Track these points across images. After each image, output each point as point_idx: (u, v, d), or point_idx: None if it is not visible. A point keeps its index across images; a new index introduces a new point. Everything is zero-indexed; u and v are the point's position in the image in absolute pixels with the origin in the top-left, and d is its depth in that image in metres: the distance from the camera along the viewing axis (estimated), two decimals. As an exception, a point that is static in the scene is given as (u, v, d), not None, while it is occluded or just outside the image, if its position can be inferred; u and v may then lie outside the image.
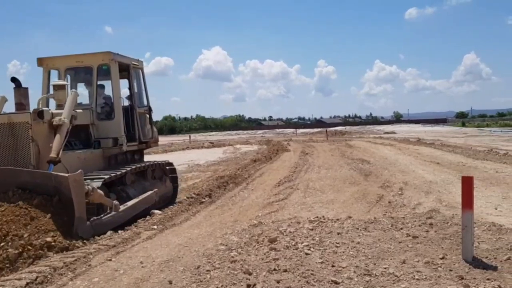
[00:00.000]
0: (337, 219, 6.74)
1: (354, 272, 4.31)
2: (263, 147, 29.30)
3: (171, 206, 8.83)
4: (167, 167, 10.11)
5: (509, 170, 11.63)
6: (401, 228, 6.01)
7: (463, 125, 68.52)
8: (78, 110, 8.03)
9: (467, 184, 4.59)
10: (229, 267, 4.66)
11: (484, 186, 9.34)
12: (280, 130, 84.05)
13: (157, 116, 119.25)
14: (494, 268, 4.25)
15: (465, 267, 4.33)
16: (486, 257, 4.60)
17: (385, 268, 4.40)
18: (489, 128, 53.77)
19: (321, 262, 4.64)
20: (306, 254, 4.95)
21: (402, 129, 58.96)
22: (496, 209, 7.12)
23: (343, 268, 4.44)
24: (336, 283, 4.04)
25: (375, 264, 4.54)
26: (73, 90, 8.17)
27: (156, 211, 8.17)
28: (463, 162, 14.14)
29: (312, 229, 6.13)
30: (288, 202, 8.53)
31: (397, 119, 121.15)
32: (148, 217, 7.77)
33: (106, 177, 7.35)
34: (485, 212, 6.91)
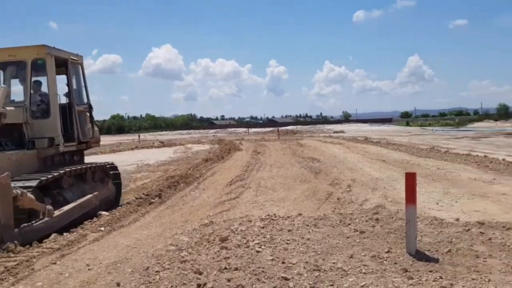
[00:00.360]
0: (288, 217, 6.82)
1: (304, 268, 4.36)
2: (215, 147, 29.15)
3: (120, 207, 8.59)
4: (110, 169, 9.75)
5: (449, 167, 12.23)
6: (349, 224, 6.16)
7: (408, 124, 71.48)
8: (9, 108, 7.56)
9: (410, 180, 4.78)
10: (179, 267, 4.59)
11: (427, 182, 9.77)
12: (233, 129, 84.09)
13: (104, 115, 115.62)
14: (436, 260, 4.45)
15: (409, 260, 4.49)
16: (429, 250, 4.81)
17: (333, 263, 4.49)
18: (432, 127, 56.46)
19: (272, 259, 4.66)
20: (257, 252, 4.96)
21: (350, 129, 60.67)
22: (437, 204, 7.47)
23: (293, 264, 4.49)
24: (286, 279, 4.08)
25: (324, 259, 4.63)
26: (3, 86, 7.69)
27: (103, 213, 7.92)
28: (407, 160, 14.73)
29: (263, 227, 6.16)
30: (239, 201, 8.53)
31: (346, 118, 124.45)
32: (95, 219, 7.52)
33: (38, 180, 6.92)
34: (428, 207, 7.22)
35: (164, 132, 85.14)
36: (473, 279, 3.87)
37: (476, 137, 30.24)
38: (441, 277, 3.95)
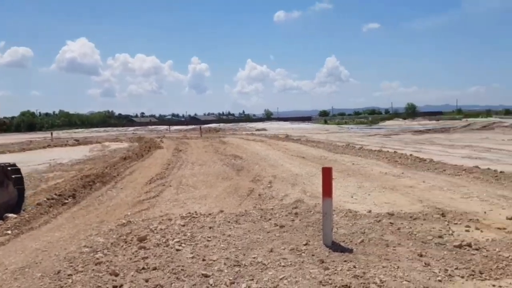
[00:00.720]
0: (209, 214, 6.77)
1: (225, 264, 4.35)
2: (135, 145, 28.24)
3: (30, 209, 7.96)
4: (10, 170, 8.88)
5: (363, 163, 12.91)
6: (270, 219, 6.25)
7: (326, 122, 74.50)
8: None
9: (327, 174, 4.94)
10: (93, 269, 4.37)
11: (342, 177, 10.22)
12: (153, 127, 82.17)
13: (13, 112, 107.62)
14: (350, 251, 4.65)
15: (325, 251, 4.65)
16: (344, 241, 5.01)
17: (254, 257, 4.52)
18: (347, 126, 59.35)
19: (192, 257, 4.59)
20: (177, 250, 4.86)
21: (272, 126, 61.93)
22: (352, 197, 7.83)
23: (214, 261, 4.45)
24: (206, 276, 4.03)
25: (244, 254, 4.64)
26: None
27: (10, 215, 7.30)
28: (325, 156, 15.31)
29: (184, 225, 6.06)
30: (159, 200, 8.31)
31: (268, 117, 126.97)
32: (0, 222, 6.92)
33: None
34: (343, 200, 7.55)
35: (80, 130, 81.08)
36: (383, 267, 4.09)
37: (387, 134, 32.26)
38: (354, 266, 4.13)
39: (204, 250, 4.85)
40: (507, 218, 6.01)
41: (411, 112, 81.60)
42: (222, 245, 5.00)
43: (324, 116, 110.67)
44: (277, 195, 8.28)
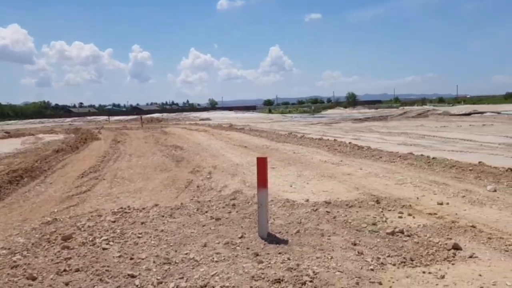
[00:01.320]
0: (143, 208, 6.46)
1: (154, 262, 4.10)
2: (71, 136, 26.93)
3: None
4: None
5: (304, 151, 12.99)
6: (206, 212, 6.06)
7: (270, 112, 74.97)
8: None
9: (262, 164, 4.80)
10: (8, 274, 3.98)
11: (283, 166, 10.20)
12: (92, 117, 79.19)
13: None
14: (286, 242, 4.55)
15: (260, 244, 4.53)
16: (279, 232, 4.91)
17: (186, 254, 4.31)
18: (291, 115, 60.04)
19: (119, 256, 4.30)
20: (104, 249, 4.54)
21: (217, 116, 61.52)
22: (291, 186, 7.79)
23: (143, 259, 4.19)
24: (132, 276, 3.77)
25: (176, 251, 4.42)
26: None
27: None
28: (267, 145, 15.29)
29: (114, 221, 5.72)
30: (91, 194, 7.85)
31: (213, 106, 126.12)
32: None
33: None
34: (282, 189, 7.49)
35: (12, 122, 76.53)
36: (317, 257, 4.02)
37: (328, 123, 32.95)
38: (289, 259, 4.03)
39: (133, 248, 4.57)
40: (438, 203, 6.19)
41: (352, 101, 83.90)
42: (153, 242, 4.74)
43: (269, 105, 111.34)
44: (216, 186, 8.09)
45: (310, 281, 3.51)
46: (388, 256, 4.09)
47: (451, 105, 61.40)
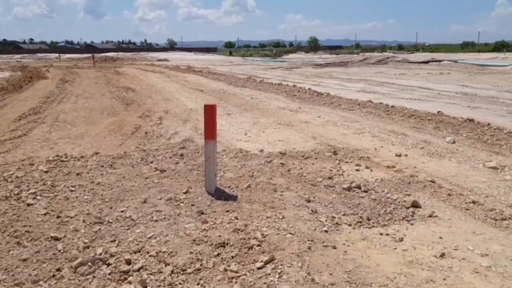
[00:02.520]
0: (82, 157, 5.88)
1: (84, 221, 3.62)
2: (17, 74, 25.07)
3: None
4: None
5: (262, 97, 12.51)
6: (151, 162, 5.56)
7: (231, 54, 73.24)
8: None
9: (210, 112, 4.30)
10: None
11: (239, 112, 9.71)
12: (43, 55, 74.80)
13: None
14: (235, 198, 4.16)
15: (207, 200, 4.12)
16: (229, 187, 4.52)
17: (122, 211, 3.85)
18: (252, 58, 58.82)
19: (45, 214, 3.78)
20: (28, 205, 4.00)
21: (175, 57, 59.41)
22: (246, 134, 7.36)
23: (71, 218, 3.70)
24: (56, 239, 3.29)
25: (111, 208, 3.94)
26: None
27: None
28: (224, 89, 14.67)
29: (47, 171, 5.14)
30: (26, 140, 7.12)
31: (172, 46, 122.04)
32: None
33: None
34: (236, 138, 7.05)
35: (-47, 56, 71.04)
36: (267, 217, 3.66)
37: (289, 67, 32.34)
38: (236, 218, 3.66)
39: (63, 204, 4.05)
40: (396, 155, 5.96)
41: (314, 46, 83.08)
42: (86, 197, 4.23)
43: (230, 48, 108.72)
44: (165, 133, 7.54)
45: (258, 245, 3.16)
46: (344, 214, 3.80)
47: (410, 52, 61.85)
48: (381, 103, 10.60)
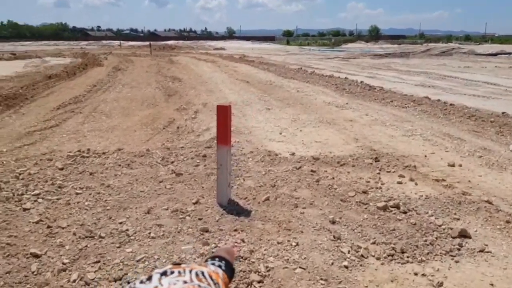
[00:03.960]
0: (104, 153, 5.58)
1: (74, 234, 3.24)
2: (77, 61, 25.89)
3: None
4: None
5: (308, 90, 11.81)
6: (172, 162, 5.15)
7: (288, 43, 72.15)
8: None
9: (223, 114, 3.77)
10: None
11: (280, 107, 9.12)
12: (107, 42, 77.77)
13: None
14: (248, 214, 3.64)
15: (216, 214, 3.62)
16: (245, 198, 3.99)
17: (120, 223, 3.44)
18: (309, 47, 57.59)
19: (37, 222, 3.46)
20: (24, 210, 3.70)
21: (232, 46, 59.39)
22: (281, 133, 6.77)
23: (62, 229, 3.34)
24: (36, 256, 2.93)
25: (110, 218, 3.55)
26: None
27: None
28: (271, 81, 14.09)
29: (62, 169, 4.87)
30: (57, 131, 6.98)
31: (230, 35, 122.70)
32: None
33: None
34: (269, 137, 6.49)
35: (28, 43, 75.63)
36: (278, 243, 3.11)
37: (346, 58, 31.11)
38: (243, 240, 3.14)
39: (61, 210, 3.71)
40: (449, 165, 5.15)
41: (374, 35, 80.00)
42: (88, 203, 3.87)
43: (288, 36, 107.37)
44: (197, 129, 7.12)
45: (259, 282, 2.62)
46: (373, 243, 3.16)
47: (477, 43, 57.81)
48: (439, 100, 9.59)
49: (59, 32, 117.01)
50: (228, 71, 18.49)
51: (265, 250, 3.00)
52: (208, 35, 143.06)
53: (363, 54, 35.88)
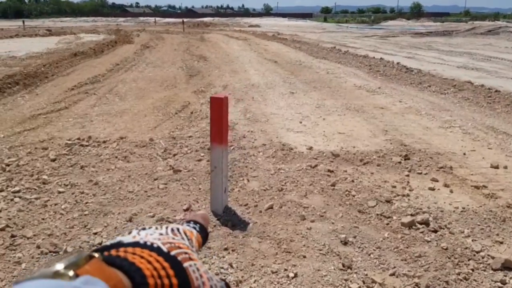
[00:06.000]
0: (104, 141, 5.13)
1: (37, 247, 2.79)
2: (111, 37, 25.77)
3: None
4: None
5: (339, 71, 11.01)
6: (174, 155, 4.64)
7: (325, 20, 70.18)
8: None
9: (217, 107, 3.17)
10: None
11: (306, 90, 8.42)
12: (144, 18, 78.13)
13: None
14: (244, 226, 3.08)
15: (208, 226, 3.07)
16: (245, 205, 3.42)
17: (95, 233, 2.97)
18: (347, 24, 55.64)
19: (2, 229, 3.02)
20: (-7, 213, 3.28)
21: (268, 23, 58.17)
22: (301, 122, 6.10)
23: (27, 239, 2.91)
24: (-16, 277, 2.49)
25: (85, 226, 3.08)
26: None
27: None
28: (301, 61, 13.31)
29: (54, 160, 4.46)
30: (64, 114, 6.59)
31: (267, 12, 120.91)
32: None
33: None
34: (287, 127, 5.85)
35: (67, 19, 76.97)
36: (273, 272, 2.53)
37: (385, 36, 29.64)
38: (231, 265, 2.59)
39: (34, 213, 3.27)
40: (491, 166, 4.39)
41: (416, 12, 76.47)
42: (66, 205, 3.41)
43: (326, 13, 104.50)
44: (211, 114, 6.56)
45: (238, 328, 2.07)
46: (392, 274, 2.54)
47: (530, 21, 54.12)
48: (482, 85, 8.62)
49: (98, 8, 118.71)
50: (258, 49, 17.78)
51: (255, 281, 2.43)
52: (245, 12, 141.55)
53: (403, 32, 34.14)
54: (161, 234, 0.47)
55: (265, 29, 39.71)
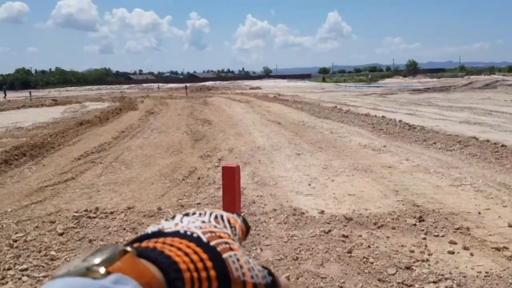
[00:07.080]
0: (112, 212, 5.07)
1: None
2: (115, 105, 26.38)
3: None
4: None
5: (343, 131, 11.10)
6: (183, 224, 4.54)
7: (324, 80, 72.02)
8: None
9: (229, 177, 3.10)
10: None
11: (311, 152, 8.43)
12: (148, 85, 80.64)
13: (9, 68, 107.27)
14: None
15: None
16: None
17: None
18: (345, 84, 57.07)
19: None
20: (0, 293, 3.17)
21: (268, 85, 59.80)
22: (310, 185, 6.05)
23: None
24: None
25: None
26: None
27: None
28: (304, 121, 13.48)
29: (62, 234, 4.40)
30: (71, 185, 6.58)
31: (267, 74, 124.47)
32: None
33: None
34: (296, 190, 5.79)
35: (73, 88, 79.48)
36: None
37: (383, 94, 30.24)
38: None
39: (41, 294, 3.15)
40: (509, 225, 4.28)
41: (412, 70, 78.57)
42: None
43: (324, 74, 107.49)
44: (219, 179, 6.54)
45: None
46: None
47: (525, 74, 55.38)
48: (488, 140, 8.64)
49: (103, 77, 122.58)
50: (261, 111, 18.09)
51: None
52: (245, 75, 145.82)
53: (401, 89, 34.90)
54: (203, 222, 0.47)
55: (266, 91, 40.68)
